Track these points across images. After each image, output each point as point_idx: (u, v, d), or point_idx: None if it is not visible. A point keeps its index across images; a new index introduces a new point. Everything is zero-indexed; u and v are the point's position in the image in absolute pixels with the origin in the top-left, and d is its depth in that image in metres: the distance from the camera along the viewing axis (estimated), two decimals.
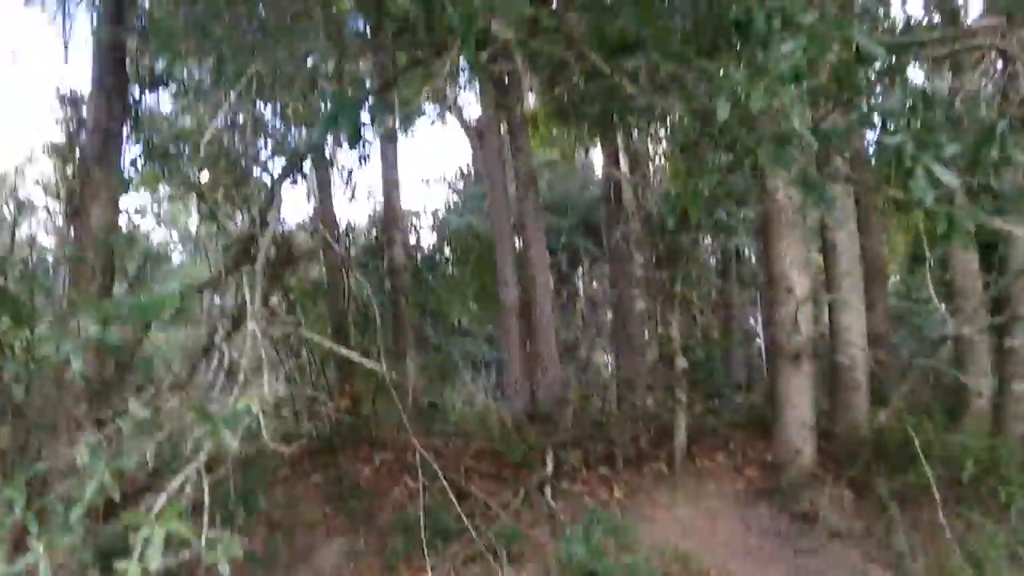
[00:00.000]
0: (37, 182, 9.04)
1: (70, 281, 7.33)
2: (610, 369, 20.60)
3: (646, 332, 12.95)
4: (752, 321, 21.47)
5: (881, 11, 4.14)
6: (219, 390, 4.36)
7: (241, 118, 6.59)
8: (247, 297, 3.73)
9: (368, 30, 4.05)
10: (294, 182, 4.94)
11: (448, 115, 16.40)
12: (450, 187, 22.95)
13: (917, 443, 8.25)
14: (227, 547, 2.52)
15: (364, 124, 2.90)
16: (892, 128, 3.76)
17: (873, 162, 4.54)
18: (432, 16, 3.20)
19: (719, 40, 3.23)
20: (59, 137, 10.94)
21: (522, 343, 12.27)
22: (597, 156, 27.16)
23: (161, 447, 4.14)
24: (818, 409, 9.57)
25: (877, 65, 3.62)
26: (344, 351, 4.31)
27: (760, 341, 22.54)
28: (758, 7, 2.59)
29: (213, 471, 4.06)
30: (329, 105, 2.92)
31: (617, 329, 13.71)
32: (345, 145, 7.68)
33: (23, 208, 9.27)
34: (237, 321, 4.76)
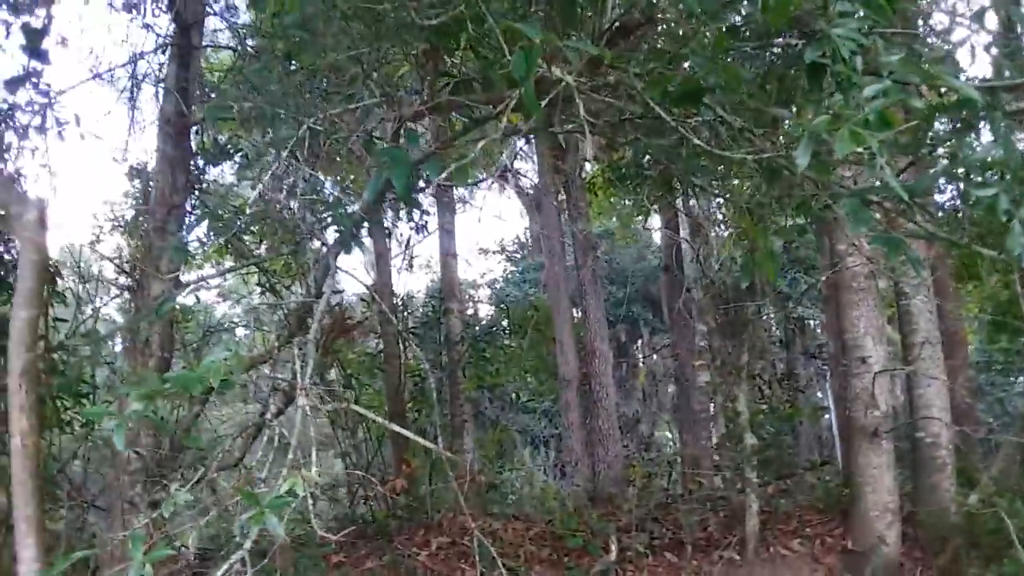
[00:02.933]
0: (105, 257, 9.20)
1: (126, 356, 7.30)
2: (674, 446, 19.95)
3: (711, 407, 12.50)
4: (820, 395, 20.70)
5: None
6: (269, 470, 4.18)
7: (298, 186, 6.58)
8: (298, 370, 3.56)
9: (425, 89, 3.97)
10: (348, 251, 4.86)
11: (506, 185, 16.45)
12: (507, 257, 22.90)
13: (1011, 528, 7.61)
14: None
15: (418, 184, 2.75)
16: (982, 180, 3.49)
17: (959, 218, 4.21)
18: (490, 66, 3.07)
19: (792, 87, 3.02)
20: (128, 212, 11.21)
21: (582, 418, 11.91)
22: (655, 224, 26.99)
23: (208, 531, 3.95)
24: (901, 491, 8.96)
25: (964, 112, 3.36)
26: (397, 428, 4.09)
27: (831, 416, 21.64)
28: (839, 47, 2.37)
29: (265, 556, 3.85)
30: (382, 162, 2.78)
31: (680, 404, 13.23)
32: (401, 207, 7.61)
33: (90, 282, 9.39)
34: (290, 397, 4.61)
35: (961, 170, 3.63)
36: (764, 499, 8.91)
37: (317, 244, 6.83)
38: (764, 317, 12.73)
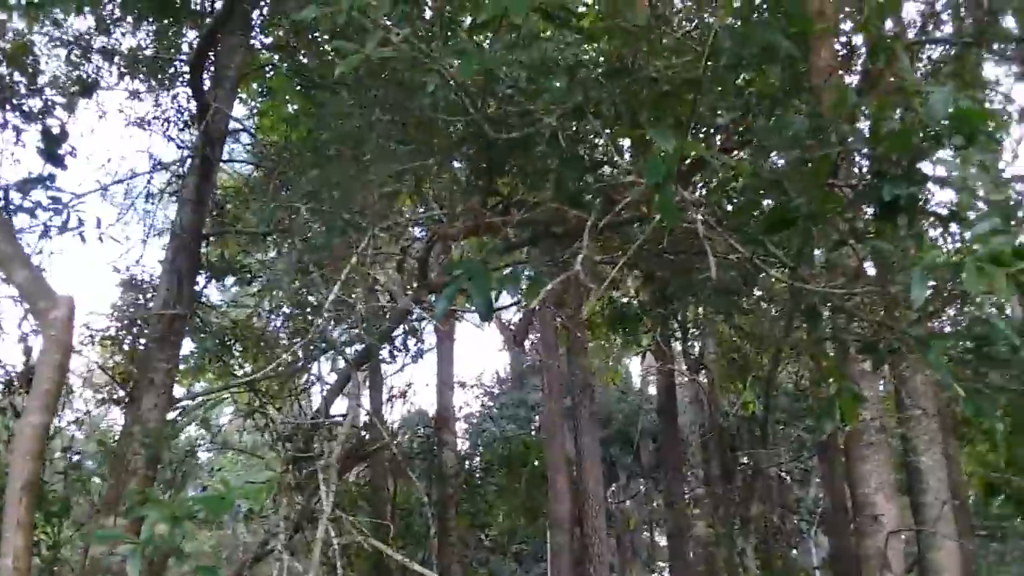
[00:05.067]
0: (102, 368, 8.80)
1: (111, 474, 6.83)
2: None
3: (707, 559, 11.95)
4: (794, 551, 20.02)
5: None
6: None
7: (308, 302, 6.41)
8: (323, 495, 3.23)
9: (463, 207, 3.87)
10: (374, 362, 4.62)
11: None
12: (486, 392, 22.59)
13: None
14: None
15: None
16: None
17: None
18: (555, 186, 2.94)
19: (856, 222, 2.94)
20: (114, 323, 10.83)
21: (573, 563, 11.29)
22: (635, 366, 26.71)
23: None
24: None
25: None
26: (420, 569, 3.72)
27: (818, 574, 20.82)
28: (964, 185, 2.26)
29: None
30: (455, 273, 2.60)
31: (674, 554, 12.64)
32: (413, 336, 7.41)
33: (71, 392, 8.94)
34: (298, 525, 4.23)
35: None
36: None
37: (324, 364, 6.56)
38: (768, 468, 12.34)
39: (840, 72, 5.28)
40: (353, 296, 5.03)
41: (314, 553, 3.40)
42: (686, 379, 12.52)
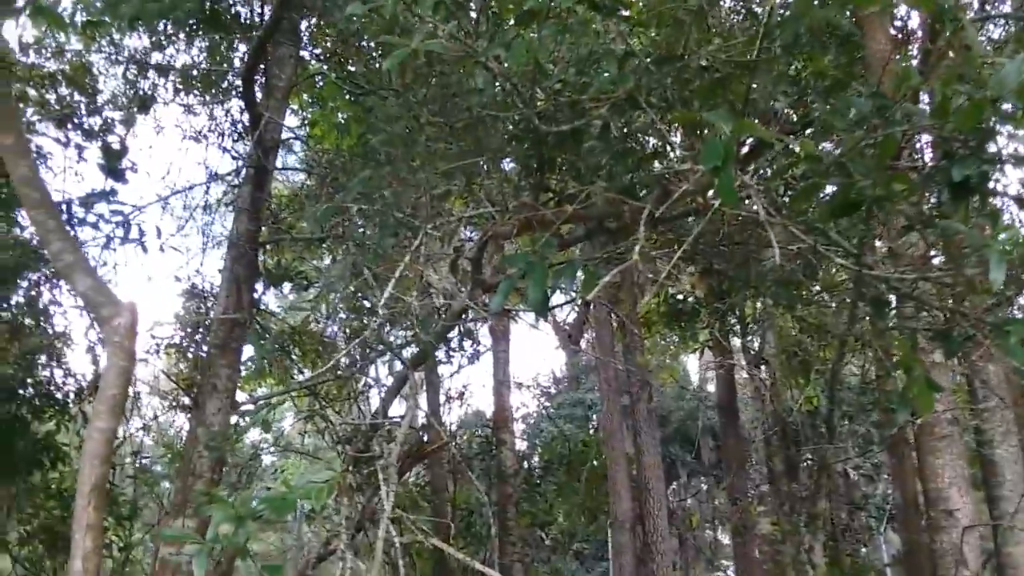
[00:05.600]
0: (166, 374, 9.05)
1: (178, 477, 6.99)
2: None
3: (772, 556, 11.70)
4: (877, 548, 19.58)
5: None
6: None
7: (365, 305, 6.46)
8: (383, 495, 3.23)
9: (515, 204, 3.84)
10: (431, 365, 4.64)
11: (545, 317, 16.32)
12: (543, 392, 22.58)
13: None
14: None
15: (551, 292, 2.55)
16: None
17: None
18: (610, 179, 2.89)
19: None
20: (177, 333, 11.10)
21: (635, 561, 11.19)
22: (692, 363, 26.41)
23: None
24: None
25: None
26: (486, 570, 3.71)
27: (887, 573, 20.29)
28: None
29: None
30: (512, 266, 2.58)
31: (738, 552, 12.44)
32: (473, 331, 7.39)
33: (134, 404, 9.20)
34: (360, 525, 4.25)
35: None
36: None
37: (381, 367, 6.58)
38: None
39: (897, 55, 5.11)
40: (408, 297, 5.04)
41: (376, 552, 3.41)
42: (746, 375, 12.31)
